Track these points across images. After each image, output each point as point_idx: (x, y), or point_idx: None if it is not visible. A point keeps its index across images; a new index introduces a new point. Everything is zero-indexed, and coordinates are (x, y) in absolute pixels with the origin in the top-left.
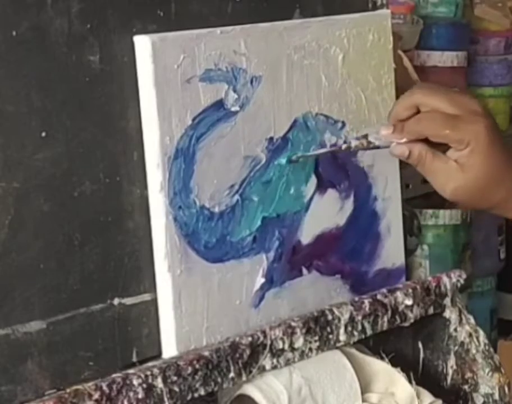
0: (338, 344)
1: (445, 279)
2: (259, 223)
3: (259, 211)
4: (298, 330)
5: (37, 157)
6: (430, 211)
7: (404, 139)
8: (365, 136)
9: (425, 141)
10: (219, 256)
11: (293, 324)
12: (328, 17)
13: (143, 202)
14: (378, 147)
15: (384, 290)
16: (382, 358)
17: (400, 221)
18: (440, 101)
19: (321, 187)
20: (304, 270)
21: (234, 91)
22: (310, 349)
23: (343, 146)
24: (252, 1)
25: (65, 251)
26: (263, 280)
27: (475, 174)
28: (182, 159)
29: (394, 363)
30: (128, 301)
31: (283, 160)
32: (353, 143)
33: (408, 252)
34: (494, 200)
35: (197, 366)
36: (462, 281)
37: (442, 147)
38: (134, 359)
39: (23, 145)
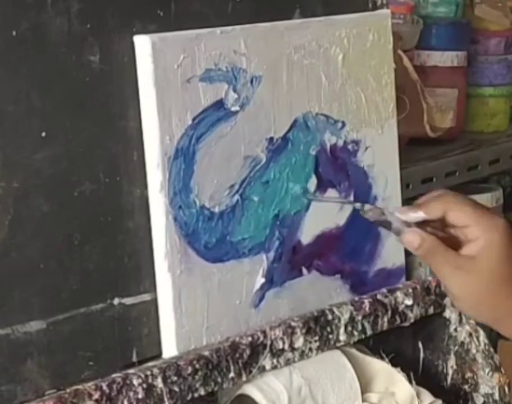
0: (338, 344)
1: None
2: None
3: (259, 211)
4: (298, 330)
5: (37, 157)
6: None
7: (421, 214)
8: (380, 209)
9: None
10: (219, 256)
11: (293, 324)
12: (328, 17)
13: (143, 202)
14: (389, 225)
15: (384, 290)
16: (382, 358)
17: None
18: (465, 199)
19: (322, 187)
20: (304, 270)
21: (235, 91)
22: (310, 349)
23: (357, 205)
24: (252, 1)
25: (65, 251)
26: (263, 280)
27: (487, 267)
28: (182, 159)
29: (394, 363)
30: (128, 301)
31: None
32: (367, 207)
33: (409, 252)
34: (502, 308)
35: (197, 366)
36: None
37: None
38: (134, 359)
39: (23, 145)
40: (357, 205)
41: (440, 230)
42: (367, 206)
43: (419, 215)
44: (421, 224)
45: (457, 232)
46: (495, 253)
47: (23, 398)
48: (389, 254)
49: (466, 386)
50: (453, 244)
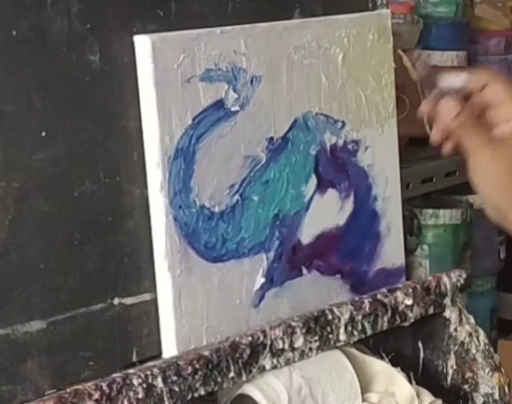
0: (338, 344)
1: (445, 278)
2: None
3: (259, 211)
4: (298, 330)
5: (37, 157)
6: (430, 211)
7: (464, 77)
8: (435, 70)
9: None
10: (219, 255)
11: (293, 323)
12: (328, 17)
13: (143, 202)
14: (433, 86)
15: (384, 290)
16: (382, 358)
17: (400, 221)
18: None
19: (322, 187)
20: (304, 270)
21: (235, 90)
22: (310, 349)
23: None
24: (252, 1)
25: (65, 251)
26: (263, 280)
27: None
28: (182, 159)
29: (394, 363)
30: (128, 300)
31: None
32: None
33: (408, 252)
34: None
35: (197, 366)
36: (462, 281)
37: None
38: (134, 359)
39: (23, 145)
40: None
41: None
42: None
43: (461, 78)
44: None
45: (492, 112)
46: None
47: (23, 398)
48: (389, 254)
49: (466, 386)
50: (484, 126)
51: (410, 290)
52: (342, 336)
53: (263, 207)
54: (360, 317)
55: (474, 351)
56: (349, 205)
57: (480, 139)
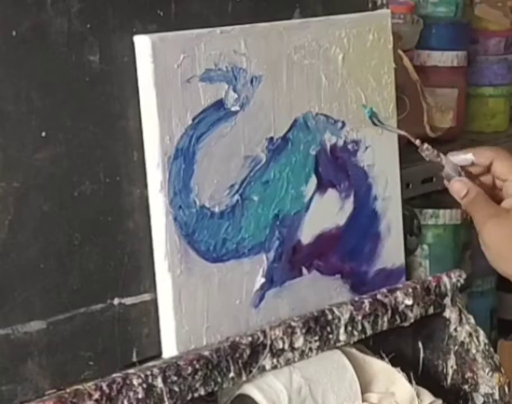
0: (338, 344)
1: (445, 278)
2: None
3: (259, 211)
4: (298, 330)
5: (37, 157)
6: (430, 211)
7: (470, 156)
8: (437, 151)
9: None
10: (219, 256)
11: (293, 323)
12: (328, 17)
13: (143, 202)
14: (442, 168)
15: (384, 290)
16: (382, 358)
17: (399, 221)
18: None
19: (322, 187)
20: (304, 270)
21: (234, 91)
22: (310, 349)
23: (417, 142)
24: (252, 1)
25: (65, 251)
26: (263, 280)
27: None
28: (182, 159)
29: (394, 363)
30: (128, 301)
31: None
32: (425, 146)
33: (408, 252)
34: None
35: (197, 366)
36: (462, 281)
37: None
38: (134, 359)
39: (23, 145)
40: (417, 142)
41: (486, 182)
42: (425, 145)
43: (468, 157)
44: (470, 176)
45: (499, 188)
46: None
47: (23, 398)
48: (389, 254)
49: (466, 386)
50: (496, 197)
51: (410, 290)
52: (342, 336)
53: (262, 207)
54: (360, 317)
55: (474, 351)
56: (349, 205)
57: (485, 212)
